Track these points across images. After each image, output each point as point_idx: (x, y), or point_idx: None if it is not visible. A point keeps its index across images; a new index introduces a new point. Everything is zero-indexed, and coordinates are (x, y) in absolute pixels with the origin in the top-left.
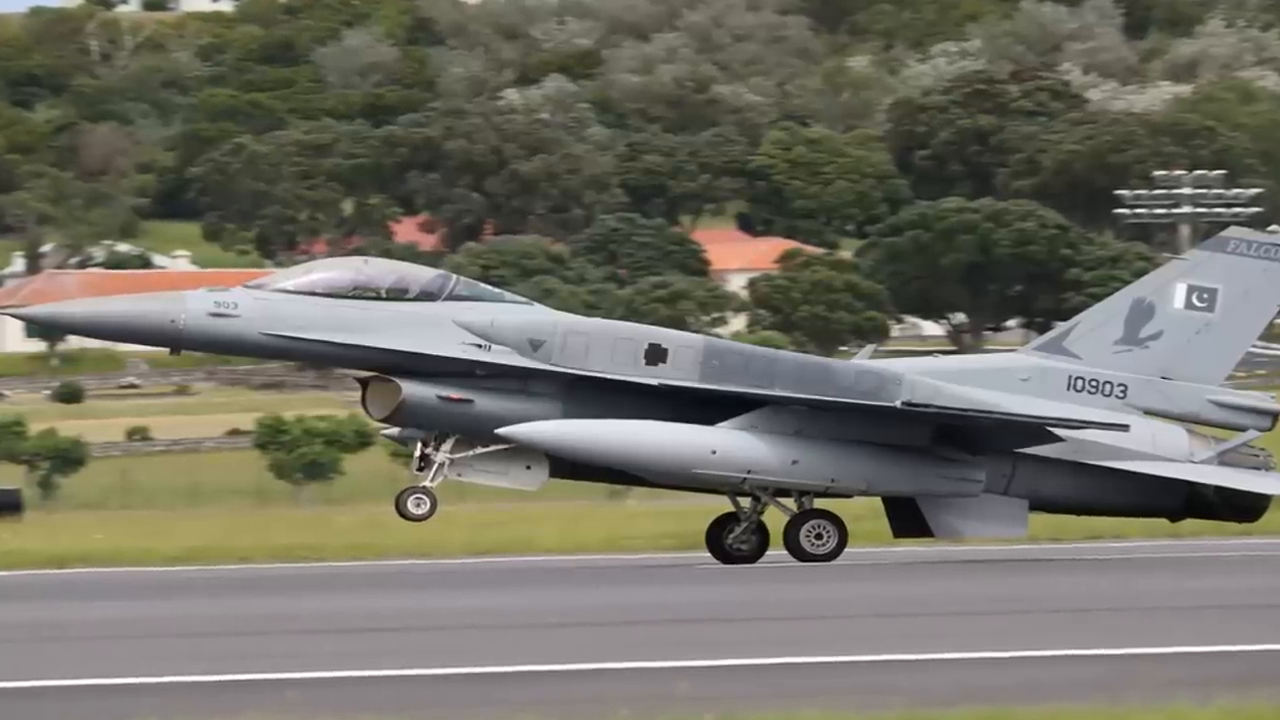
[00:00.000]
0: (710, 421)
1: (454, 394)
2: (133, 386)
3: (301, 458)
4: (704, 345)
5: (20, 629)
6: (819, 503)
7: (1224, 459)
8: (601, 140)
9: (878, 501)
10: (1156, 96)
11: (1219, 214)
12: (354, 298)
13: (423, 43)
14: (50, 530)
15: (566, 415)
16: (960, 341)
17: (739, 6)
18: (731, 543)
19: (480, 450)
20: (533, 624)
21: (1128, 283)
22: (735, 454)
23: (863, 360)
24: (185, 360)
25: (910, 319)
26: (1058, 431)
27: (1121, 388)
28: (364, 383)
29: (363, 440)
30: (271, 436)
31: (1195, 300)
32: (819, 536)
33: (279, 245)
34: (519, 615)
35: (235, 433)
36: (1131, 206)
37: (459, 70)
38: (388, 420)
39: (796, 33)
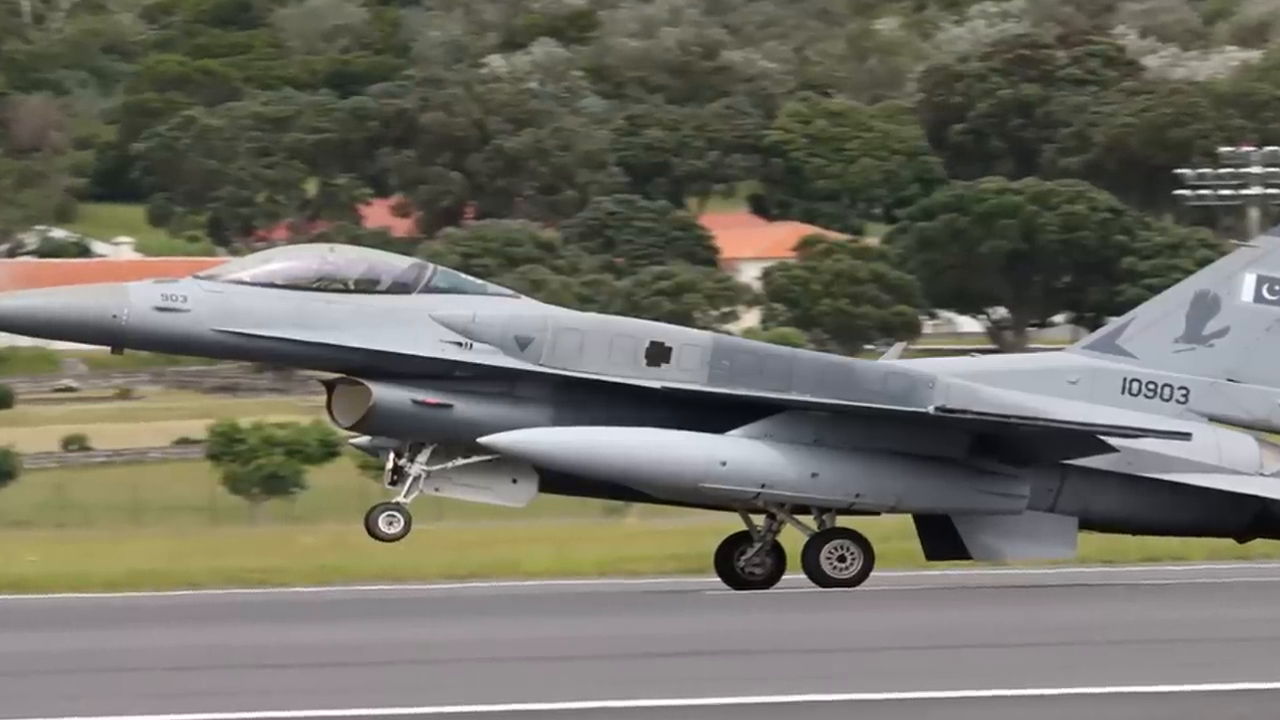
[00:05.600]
0: (719, 429)
1: (431, 398)
2: (69, 390)
3: (259, 470)
4: (712, 344)
5: None
6: (842, 521)
7: None
8: (597, 113)
9: (908, 520)
10: (1222, 63)
11: None
12: (318, 290)
13: (395, 3)
14: None
15: (557, 422)
16: (1001, 339)
17: None
18: (744, 565)
19: (460, 462)
20: (520, 657)
21: (1190, 272)
22: (747, 466)
23: (891, 360)
24: (128, 360)
25: (945, 314)
26: (1111, 441)
27: (1183, 391)
28: (330, 385)
29: (328, 450)
30: (225, 446)
31: (1266, 293)
32: (842, 559)
33: (234, 231)
34: (504, 647)
35: (184, 442)
36: (1194, 187)
37: (436, 34)
38: (356, 428)
39: None
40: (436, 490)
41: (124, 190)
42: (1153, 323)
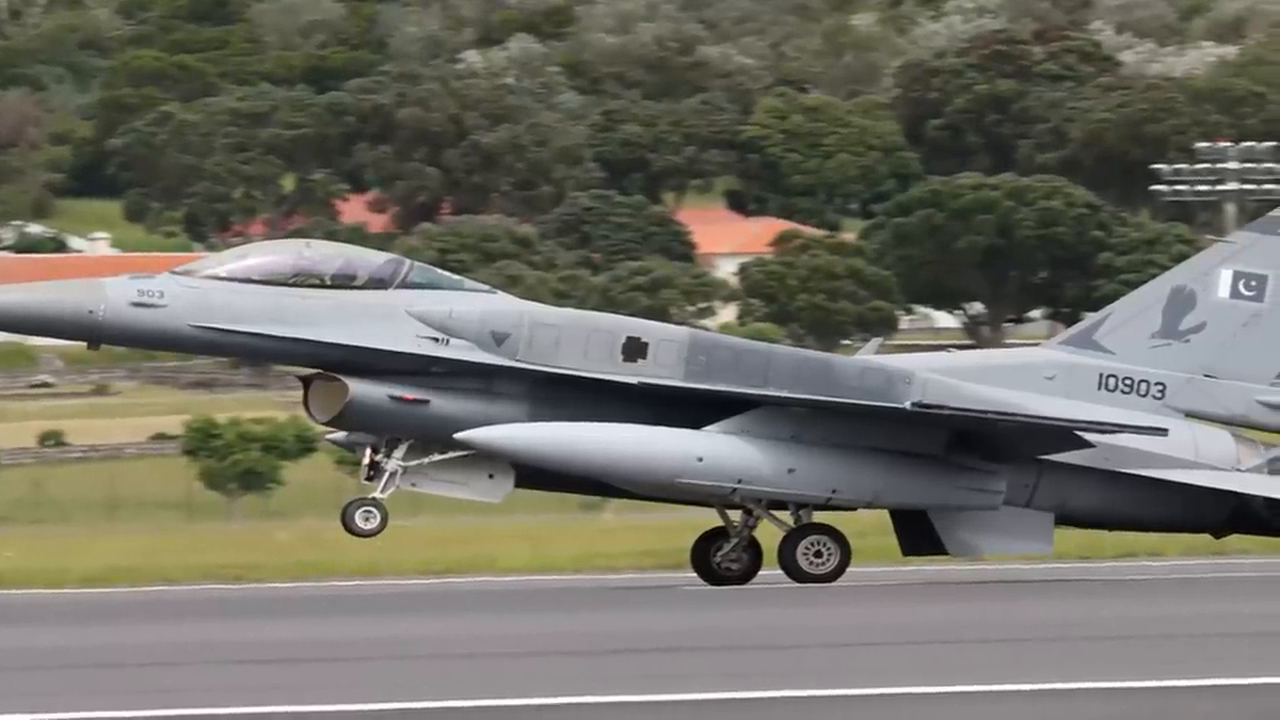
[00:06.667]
0: (696, 425)
1: (407, 394)
2: (45, 385)
3: (235, 465)
4: (689, 339)
5: None
6: (818, 516)
7: (1274, 467)
8: (573, 108)
9: (884, 515)
10: (1198, 59)
11: (1268, 191)
12: (294, 285)
13: None
14: None
15: (534, 417)
16: (978, 335)
17: None
18: (720, 561)
19: (437, 457)
20: (496, 653)
21: (1166, 268)
22: (724, 461)
23: (868, 356)
24: (104, 356)
25: (921, 309)
26: (1088, 436)
27: (1159, 387)
28: (306, 381)
29: (305, 446)
30: (202, 442)
31: (1242, 288)
32: (818, 554)
33: (210, 227)
34: (481, 643)
35: (161, 437)
36: (1170, 182)
37: (413, 29)
38: (333, 423)
39: None
40: (413, 486)
41: (100, 186)
42: (1129, 318)
